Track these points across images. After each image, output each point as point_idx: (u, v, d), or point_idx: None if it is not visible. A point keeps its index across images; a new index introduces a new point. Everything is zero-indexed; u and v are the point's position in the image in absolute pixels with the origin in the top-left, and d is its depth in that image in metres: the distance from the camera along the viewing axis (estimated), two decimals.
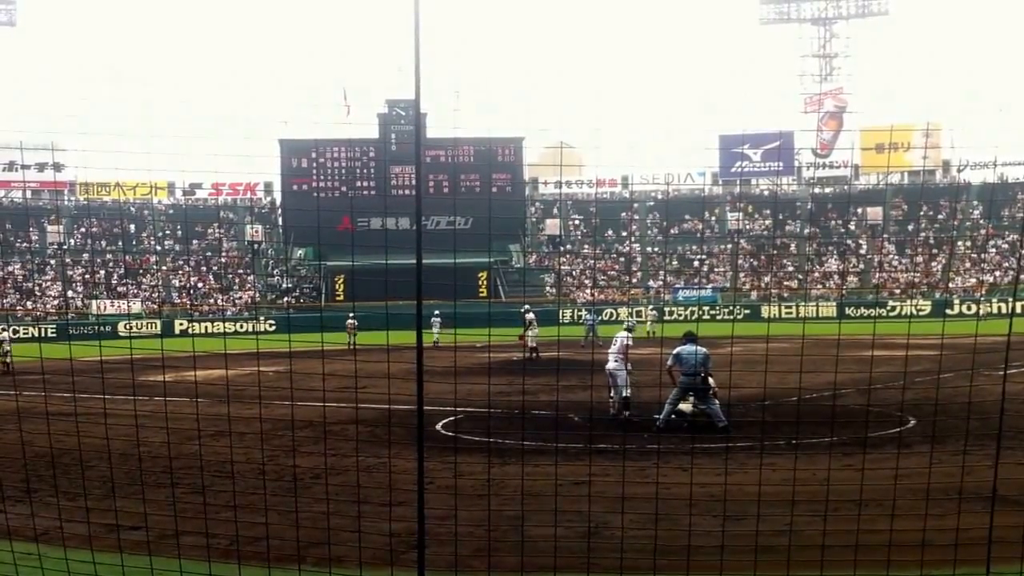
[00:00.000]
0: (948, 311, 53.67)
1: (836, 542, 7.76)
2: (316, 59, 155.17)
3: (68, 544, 8.09)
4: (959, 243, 69.34)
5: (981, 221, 71.26)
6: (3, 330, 33.24)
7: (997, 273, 65.50)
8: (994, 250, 67.87)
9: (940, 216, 72.93)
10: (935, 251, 69.94)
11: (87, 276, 67.21)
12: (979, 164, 72.66)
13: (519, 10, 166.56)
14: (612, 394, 17.38)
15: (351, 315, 42.21)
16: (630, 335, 17.89)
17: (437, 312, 40.05)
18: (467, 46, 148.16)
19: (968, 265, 67.70)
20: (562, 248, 73.06)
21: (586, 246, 74.14)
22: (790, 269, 70.72)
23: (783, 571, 7.43)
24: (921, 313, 56.71)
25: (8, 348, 30.68)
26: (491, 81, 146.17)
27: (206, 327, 59.07)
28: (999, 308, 57.47)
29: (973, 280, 65.22)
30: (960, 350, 23.36)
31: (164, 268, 69.15)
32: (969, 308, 58.44)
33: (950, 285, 64.35)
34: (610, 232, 74.58)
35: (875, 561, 7.48)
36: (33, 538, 8.52)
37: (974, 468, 10.15)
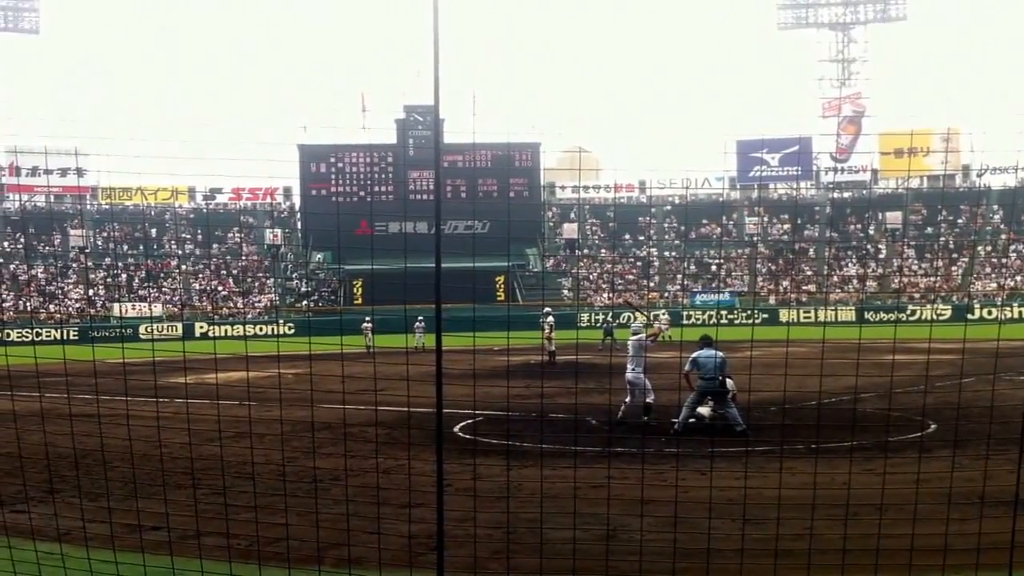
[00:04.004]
0: (969, 316, 53.35)
1: (856, 546, 7.74)
2: (334, 65, 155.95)
3: (90, 544, 8.15)
4: (979, 248, 68.88)
5: (1002, 226, 70.82)
6: None
7: (1018, 278, 65.06)
8: (1015, 254, 67.43)
9: (960, 220, 72.49)
10: (955, 255, 69.52)
11: (109, 280, 67.64)
12: (1000, 168, 72.15)
13: (537, 16, 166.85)
14: (628, 399, 17.34)
15: (367, 318, 42.41)
16: (641, 336, 17.79)
17: (420, 318, 40.24)
18: (485, 52, 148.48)
19: (988, 270, 67.28)
20: (579, 252, 73.01)
21: (603, 250, 74.06)
22: (809, 273, 70.45)
23: (803, 575, 7.42)
24: (941, 318, 56.37)
25: None
26: (509, 86, 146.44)
27: (226, 330, 59.35)
28: (1019, 313, 57.10)
29: (994, 285, 64.81)
30: (981, 354, 23.23)
31: (184, 268, 69.51)
32: (990, 313, 58.06)
33: (970, 290, 63.95)
34: (627, 236, 74.49)
35: (896, 565, 7.46)
36: (56, 538, 8.59)
37: (996, 473, 10.11)
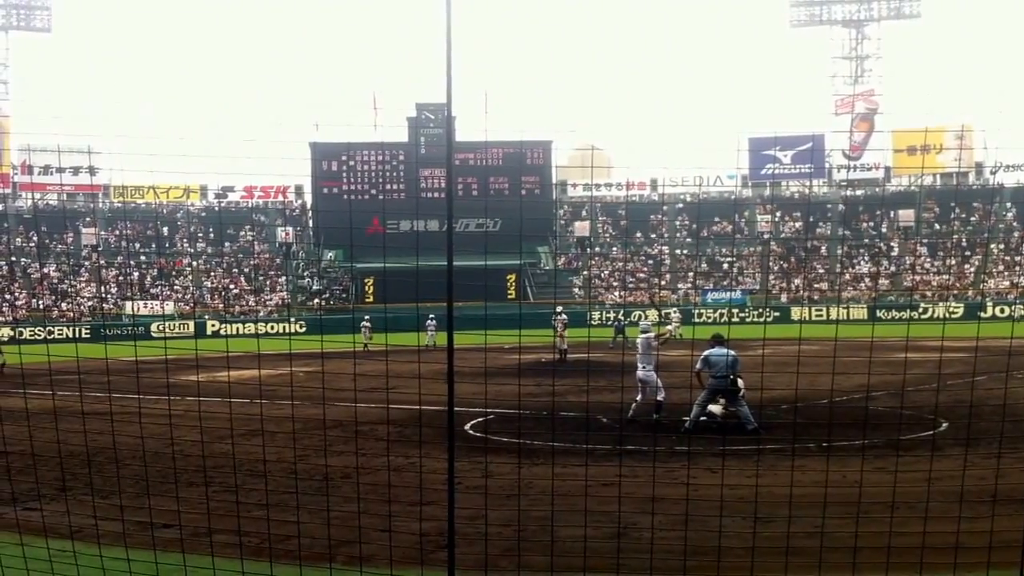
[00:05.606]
0: (981, 314, 53.13)
1: (868, 544, 7.72)
2: (347, 63, 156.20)
3: (102, 541, 8.19)
4: (992, 246, 68.54)
5: (1015, 223, 70.48)
6: None
7: None
8: None
9: (973, 218, 72.17)
10: (968, 253, 69.23)
11: (121, 278, 67.86)
12: (1013, 166, 71.79)
13: (549, 14, 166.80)
14: (639, 397, 17.36)
15: (367, 317, 42.60)
16: (650, 335, 17.78)
17: (432, 316, 40.13)
18: (497, 50, 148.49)
19: (1001, 267, 66.97)
20: (591, 250, 72.93)
21: (615, 248, 73.97)
22: (821, 271, 70.25)
23: (814, 573, 7.40)
24: (954, 316, 56.14)
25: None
26: (521, 84, 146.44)
27: (238, 328, 59.47)
28: None
29: (1007, 283, 64.51)
30: (993, 353, 23.15)
31: (195, 264, 69.72)
32: (1002, 311, 57.80)
33: (983, 288, 63.67)
34: (639, 234, 74.41)
35: (907, 563, 7.43)
36: (68, 535, 8.63)
37: (1008, 471, 10.08)
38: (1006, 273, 66.03)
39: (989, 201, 71.15)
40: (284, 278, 70.01)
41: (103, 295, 65.20)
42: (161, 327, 55.76)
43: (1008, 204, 71.76)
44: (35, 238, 69.92)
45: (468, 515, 9.17)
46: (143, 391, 12.07)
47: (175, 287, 68.08)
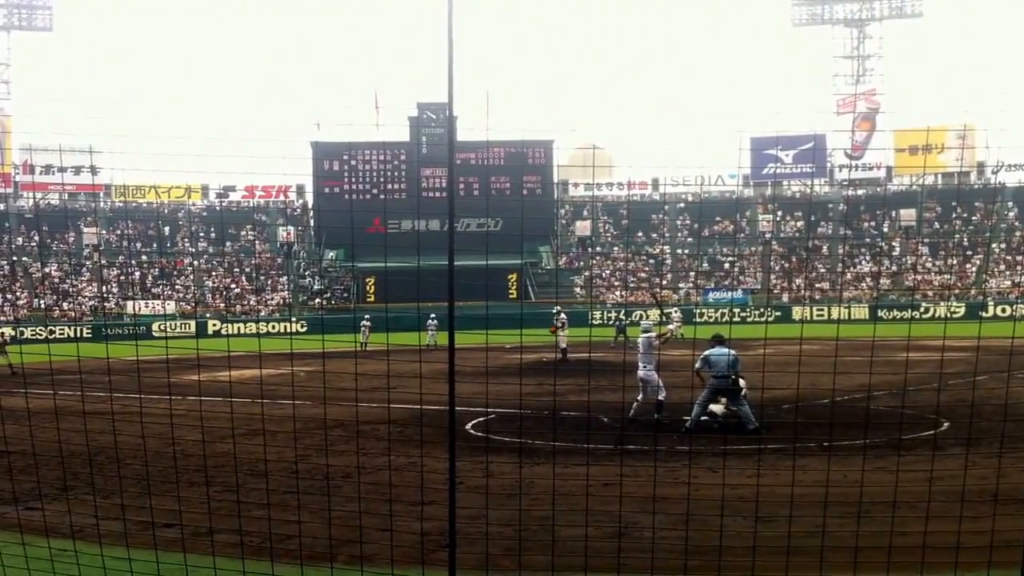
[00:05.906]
0: (983, 314, 53.11)
1: (869, 544, 7.72)
2: (349, 62, 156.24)
3: (104, 541, 8.19)
4: (994, 245, 68.50)
5: (1016, 223, 70.44)
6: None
7: None
8: None
9: (975, 218, 72.13)
10: (969, 253, 69.20)
11: (122, 277, 67.90)
12: (1015, 165, 71.74)
13: (550, 13, 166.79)
14: (640, 397, 17.36)
15: (367, 316, 42.64)
16: (651, 335, 17.76)
17: (433, 316, 40.17)
18: (499, 49, 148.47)
19: (1003, 267, 66.93)
20: (592, 250, 72.93)
21: (616, 248, 73.97)
22: (822, 271, 70.23)
23: (815, 572, 7.41)
24: (955, 315, 56.09)
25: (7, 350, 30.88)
26: (522, 84, 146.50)
27: (239, 328, 59.50)
28: None
29: (1008, 282, 64.46)
30: (995, 352, 23.13)
31: (196, 263, 69.72)
32: (1004, 311, 57.78)
33: (985, 287, 63.65)
34: (640, 234, 74.40)
35: (908, 563, 7.43)
36: (69, 535, 8.63)
37: (1009, 471, 10.07)
38: (1007, 273, 65.99)
39: (991, 201, 71.11)
40: (285, 278, 70.02)
41: (104, 295, 65.23)
42: (162, 327, 55.79)
43: (1010, 204, 71.75)
44: (36, 238, 69.95)
45: (469, 515, 9.17)
46: (144, 391, 12.08)
47: (176, 287, 68.11)
